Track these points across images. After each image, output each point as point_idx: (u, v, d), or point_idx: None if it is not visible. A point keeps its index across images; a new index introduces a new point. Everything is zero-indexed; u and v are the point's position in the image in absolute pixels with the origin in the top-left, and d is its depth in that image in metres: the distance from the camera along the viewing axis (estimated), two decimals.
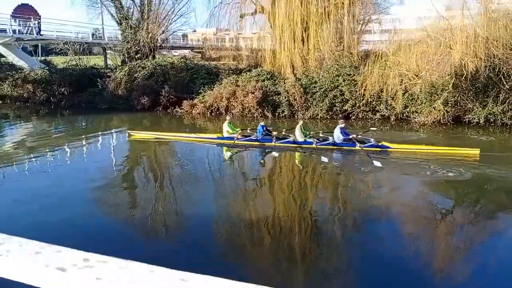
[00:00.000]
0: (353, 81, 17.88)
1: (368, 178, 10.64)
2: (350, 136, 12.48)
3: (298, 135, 13.04)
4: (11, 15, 27.58)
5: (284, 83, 19.18)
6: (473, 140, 14.17)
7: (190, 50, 44.52)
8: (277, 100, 18.77)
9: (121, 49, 29.59)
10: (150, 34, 29.00)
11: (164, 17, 29.66)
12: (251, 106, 18.47)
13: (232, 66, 23.36)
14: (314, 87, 18.47)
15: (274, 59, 20.42)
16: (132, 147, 14.87)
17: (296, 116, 18.32)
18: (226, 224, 7.61)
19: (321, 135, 13.51)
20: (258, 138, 13.25)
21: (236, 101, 18.92)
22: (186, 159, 13.06)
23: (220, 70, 23.17)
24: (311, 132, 13.74)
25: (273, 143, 12.93)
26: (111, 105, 22.43)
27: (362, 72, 17.23)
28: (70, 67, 26.70)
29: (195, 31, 43.91)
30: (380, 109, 17.45)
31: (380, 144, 12.32)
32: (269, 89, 19.08)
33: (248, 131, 13.97)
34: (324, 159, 11.80)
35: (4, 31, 26.93)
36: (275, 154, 12.82)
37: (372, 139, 12.44)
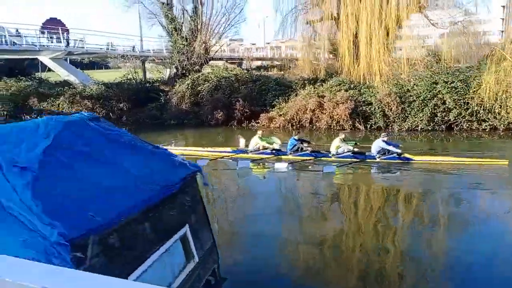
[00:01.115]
0: (454, 88, 16.49)
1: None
2: (399, 149, 11.99)
3: (333, 148, 12.49)
4: (62, 29, 26.72)
5: (371, 92, 17.88)
6: None
7: (225, 61, 43.43)
8: (368, 111, 17.44)
9: (173, 61, 28.52)
10: (204, 45, 27.97)
11: (216, 26, 28.53)
12: (342, 118, 17.15)
13: (306, 75, 22.03)
14: (410, 95, 17.10)
15: (354, 66, 19.08)
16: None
17: (390, 127, 16.99)
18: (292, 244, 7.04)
19: (355, 149, 12.64)
20: (290, 152, 12.72)
21: (323, 113, 17.62)
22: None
23: (290, 81, 21.96)
24: (354, 143, 12.85)
25: (307, 158, 12.48)
26: (180, 121, 21.30)
27: (471, 77, 15.83)
28: (125, 82, 25.71)
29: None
30: (488, 119, 16.01)
31: (402, 156, 11.85)
32: (356, 99, 17.77)
33: (280, 146, 13.28)
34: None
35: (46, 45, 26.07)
36: (280, 166, 11.73)
37: (396, 150, 11.96)
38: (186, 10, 27.90)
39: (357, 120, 17.27)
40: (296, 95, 19.62)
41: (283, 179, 11.54)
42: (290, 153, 12.68)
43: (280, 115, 18.93)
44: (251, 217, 8.51)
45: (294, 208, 9.35)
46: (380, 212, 8.90)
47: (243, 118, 19.78)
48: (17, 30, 26.04)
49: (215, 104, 20.34)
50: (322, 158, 12.43)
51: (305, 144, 12.92)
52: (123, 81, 25.83)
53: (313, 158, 12.51)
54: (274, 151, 12.94)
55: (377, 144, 12.03)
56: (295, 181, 11.51)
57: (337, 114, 17.04)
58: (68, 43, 27.26)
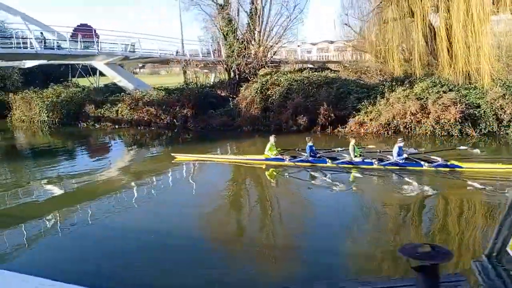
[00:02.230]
0: None
1: None
2: (405, 156, 11.57)
3: (353, 155, 12.05)
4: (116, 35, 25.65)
5: (477, 93, 16.41)
6: None
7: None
8: (477, 114, 15.97)
9: (230, 65, 27.29)
10: (262, 48, 26.77)
11: (275, 28, 27.27)
12: (450, 122, 15.69)
13: (384, 77, 20.65)
14: None
15: (452, 65, 17.53)
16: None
17: (504, 132, 15.53)
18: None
19: (378, 154, 12.43)
20: (310, 159, 12.28)
21: (427, 117, 16.19)
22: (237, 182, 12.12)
23: (368, 83, 20.60)
24: (363, 153, 12.50)
25: (328, 164, 11.97)
26: (253, 127, 20.00)
27: None
28: (183, 87, 24.59)
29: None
30: None
31: (449, 163, 11.16)
32: (459, 100, 16.30)
33: (297, 151, 13.11)
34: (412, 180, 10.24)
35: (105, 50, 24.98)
36: (332, 176, 10.94)
37: (439, 158, 11.37)
38: (246, 12, 26.72)
39: (466, 124, 15.76)
40: (382, 97, 18.21)
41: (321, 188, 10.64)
42: (330, 161, 12.18)
43: (371, 119, 17.50)
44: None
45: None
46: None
47: (328, 123, 18.39)
48: (72, 35, 25.01)
49: (295, 109, 19.00)
50: (365, 166, 11.85)
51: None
52: (182, 86, 24.68)
53: (355, 166, 11.96)
54: (311, 159, 12.44)
55: (395, 150, 11.66)
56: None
57: (445, 118, 15.57)
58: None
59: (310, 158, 12.36)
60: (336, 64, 35.51)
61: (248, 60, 25.92)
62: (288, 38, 27.32)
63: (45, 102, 26.06)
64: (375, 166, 11.63)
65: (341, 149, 12.95)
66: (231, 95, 25.15)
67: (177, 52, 32.59)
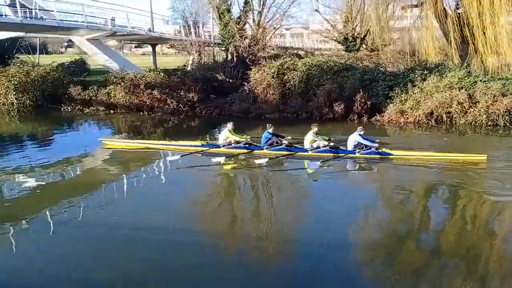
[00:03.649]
0: None
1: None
2: (376, 143, 11.75)
3: (306, 142, 12.02)
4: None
5: None
6: None
7: None
8: None
9: (226, 47, 25.32)
10: (261, 30, 25.19)
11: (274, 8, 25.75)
12: (499, 112, 15.56)
13: (423, 63, 20.03)
14: None
15: (490, 54, 17.33)
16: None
17: None
18: None
19: (332, 144, 12.28)
20: (263, 147, 12.10)
21: (474, 107, 15.94)
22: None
23: (394, 71, 20.01)
24: (327, 138, 12.37)
25: (281, 152, 11.87)
26: (281, 114, 18.54)
27: None
28: (186, 69, 22.32)
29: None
30: None
31: (381, 151, 11.62)
32: (507, 90, 16.17)
33: (252, 138, 12.73)
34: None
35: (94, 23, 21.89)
36: (261, 161, 11.12)
37: (372, 145, 11.70)
38: None
39: None
40: (414, 85, 17.70)
41: (260, 175, 11.11)
42: (266, 148, 12.07)
43: (412, 108, 16.94)
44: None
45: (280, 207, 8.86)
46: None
47: (363, 112, 17.54)
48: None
49: (328, 95, 17.88)
50: (299, 153, 11.95)
51: (280, 139, 12.42)
52: (184, 67, 22.40)
53: (291, 153, 11.98)
54: (247, 145, 12.25)
55: (354, 139, 11.75)
56: (273, 177, 10.90)
57: (496, 108, 15.41)
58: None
59: (265, 146, 12.10)
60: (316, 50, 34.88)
61: (251, 42, 24.19)
62: (288, 20, 25.89)
63: (12, 81, 22.26)
64: (308, 153, 11.77)
65: (296, 137, 12.89)
66: (230, 80, 23.46)
67: (149, 30, 29.77)
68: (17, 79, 22.32)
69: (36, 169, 11.34)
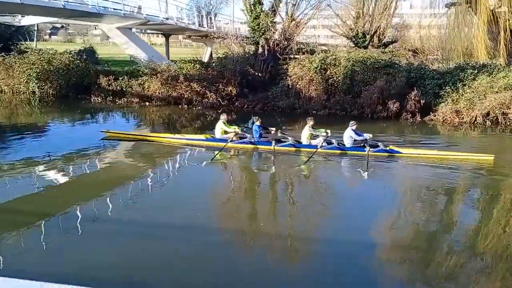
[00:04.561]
0: None
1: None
2: (365, 136, 11.58)
3: (304, 137, 11.78)
4: None
5: None
6: None
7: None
8: None
9: (255, 40, 24.53)
10: (294, 23, 24.48)
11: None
12: None
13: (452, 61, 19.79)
14: None
15: None
16: None
17: None
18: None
19: (327, 137, 12.08)
20: (255, 141, 11.85)
21: None
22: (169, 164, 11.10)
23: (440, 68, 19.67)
24: (323, 130, 12.10)
25: (272, 147, 11.33)
26: (331, 111, 18.00)
27: None
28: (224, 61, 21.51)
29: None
30: None
31: (389, 149, 11.54)
32: None
33: (242, 132, 12.41)
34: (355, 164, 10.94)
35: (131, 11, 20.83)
36: (273, 159, 11.17)
37: (380, 143, 11.62)
38: None
39: None
40: (464, 84, 17.41)
41: (270, 172, 10.85)
42: (273, 143, 11.54)
43: (467, 108, 16.65)
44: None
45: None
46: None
47: (417, 110, 17.16)
48: None
49: (381, 92, 17.42)
50: (307, 150, 11.55)
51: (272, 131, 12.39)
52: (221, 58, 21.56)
53: (299, 149, 11.75)
54: (252, 141, 11.95)
55: (348, 134, 11.61)
56: (283, 174, 10.65)
57: None
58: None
59: (256, 140, 11.84)
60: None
61: (282, 35, 23.48)
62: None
63: (33, 69, 21.04)
64: (318, 149, 11.33)
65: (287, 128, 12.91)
66: (259, 73, 22.77)
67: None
68: (39, 67, 21.12)
69: (59, 161, 10.77)
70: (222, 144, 11.60)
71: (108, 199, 8.12)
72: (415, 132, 16.20)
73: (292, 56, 24.15)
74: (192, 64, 20.86)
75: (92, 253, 6.00)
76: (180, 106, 19.00)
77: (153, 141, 12.68)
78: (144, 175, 9.95)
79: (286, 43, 24.09)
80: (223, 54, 23.43)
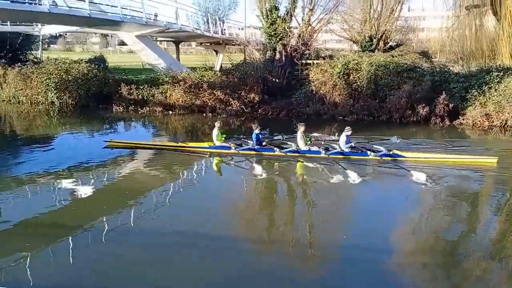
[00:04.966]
0: None
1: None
2: (352, 144, 11.64)
3: (301, 144, 11.78)
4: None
5: None
6: None
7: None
8: None
9: (271, 46, 24.43)
10: (310, 28, 24.41)
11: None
12: None
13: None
14: None
15: None
16: None
17: None
18: None
19: (323, 143, 12.43)
20: (256, 148, 11.88)
21: None
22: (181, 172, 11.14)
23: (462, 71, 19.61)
24: (312, 140, 12.19)
25: (275, 153, 11.66)
26: (359, 116, 17.87)
27: None
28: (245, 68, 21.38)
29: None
30: None
31: (392, 153, 11.49)
32: None
33: (242, 139, 12.76)
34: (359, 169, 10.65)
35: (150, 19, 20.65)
36: (280, 164, 11.25)
37: (382, 148, 11.66)
38: None
39: None
40: (490, 87, 17.32)
41: (279, 178, 10.76)
42: (277, 150, 11.82)
43: (497, 112, 16.56)
44: None
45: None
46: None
47: (445, 114, 17.07)
48: None
49: (409, 97, 17.32)
50: (312, 155, 11.64)
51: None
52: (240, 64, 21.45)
53: (303, 155, 11.73)
54: (257, 148, 11.93)
55: (343, 139, 11.61)
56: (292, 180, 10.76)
57: None
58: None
59: (257, 147, 11.87)
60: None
61: (299, 40, 23.39)
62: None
63: (52, 79, 20.86)
64: (322, 155, 11.43)
65: (287, 137, 12.84)
66: (277, 79, 22.66)
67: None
68: (57, 77, 20.94)
69: (79, 172, 10.75)
70: (224, 151, 11.91)
71: (129, 209, 8.12)
72: (444, 136, 16.06)
73: (309, 62, 24.14)
74: (213, 71, 20.69)
75: (118, 264, 6.06)
76: (204, 114, 18.81)
77: (155, 149, 12.94)
78: (162, 184, 10.02)
79: (303, 48, 24.03)
80: (241, 61, 23.34)
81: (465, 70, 19.89)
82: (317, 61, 24.65)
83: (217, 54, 32.94)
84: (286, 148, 11.99)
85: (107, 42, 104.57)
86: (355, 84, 19.01)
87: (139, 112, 19.54)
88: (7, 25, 22.05)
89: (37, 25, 21.34)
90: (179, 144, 12.83)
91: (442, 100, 16.85)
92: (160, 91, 19.79)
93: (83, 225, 7.41)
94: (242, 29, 35.33)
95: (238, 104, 18.88)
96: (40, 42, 37.02)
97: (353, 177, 10.14)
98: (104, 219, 7.60)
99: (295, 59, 23.67)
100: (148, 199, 8.90)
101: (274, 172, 10.93)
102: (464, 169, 10.80)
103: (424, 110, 16.67)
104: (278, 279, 5.78)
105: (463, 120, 16.92)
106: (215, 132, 12.25)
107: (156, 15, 23.05)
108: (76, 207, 8.57)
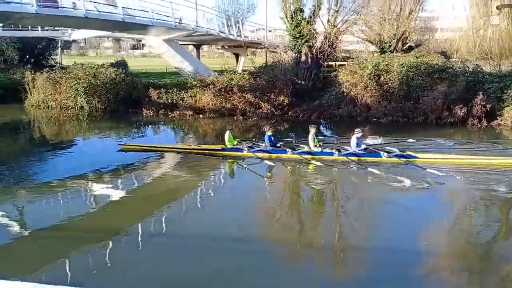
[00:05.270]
0: None
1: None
2: (363, 147, 11.51)
3: (312, 145, 11.76)
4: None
5: None
6: None
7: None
8: None
9: (297, 48, 24.30)
10: (335, 30, 24.23)
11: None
12: None
13: None
14: None
15: None
16: None
17: None
18: None
19: (335, 145, 12.42)
20: (269, 149, 11.82)
21: None
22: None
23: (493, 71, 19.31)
24: (321, 143, 12.30)
25: (288, 155, 11.56)
26: (393, 118, 17.65)
27: None
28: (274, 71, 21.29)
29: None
30: None
31: (406, 154, 11.31)
32: None
33: (254, 142, 12.79)
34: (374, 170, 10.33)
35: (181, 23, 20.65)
36: (295, 166, 11.08)
37: (395, 149, 11.51)
38: None
39: None
40: None
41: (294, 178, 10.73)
42: (290, 151, 11.72)
43: None
44: None
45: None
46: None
47: (482, 115, 16.79)
48: None
49: (444, 98, 17.07)
50: (324, 157, 11.56)
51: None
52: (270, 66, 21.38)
53: (315, 156, 11.62)
54: (269, 149, 11.87)
55: (353, 141, 11.52)
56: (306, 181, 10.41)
57: None
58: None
59: (270, 148, 11.84)
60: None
61: (325, 42, 23.23)
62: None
63: (81, 84, 20.96)
64: (335, 156, 11.35)
65: (299, 140, 12.92)
66: (303, 81, 22.50)
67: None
68: (86, 81, 21.05)
69: (108, 176, 10.81)
70: (236, 153, 11.90)
71: (161, 213, 8.14)
72: (481, 137, 15.79)
73: (331, 63, 24.03)
74: (241, 74, 20.65)
75: (155, 267, 6.03)
76: (235, 118, 18.72)
77: (168, 152, 12.95)
78: (190, 187, 10.03)
79: (329, 50, 23.87)
80: (264, 63, 23.27)
81: (496, 70, 19.59)
82: (341, 63, 24.51)
83: (236, 57, 32.93)
84: (299, 149, 11.93)
85: (120, 46, 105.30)
86: (386, 85, 18.80)
87: (170, 116, 19.53)
88: (37, 30, 22.15)
89: (67, 30, 21.35)
90: (192, 146, 12.97)
91: (479, 100, 16.57)
92: (189, 95, 19.75)
93: (117, 229, 7.44)
94: (264, 31, 35.28)
95: (268, 106, 18.75)
96: (59, 48, 37.44)
97: (374, 178, 9.98)
98: (138, 223, 7.65)
99: (320, 61, 23.51)
100: (178, 202, 8.96)
101: (291, 174, 10.89)
102: (492, 170, 10.46)
103: (462, 111, 16.38)
104: (308, 282, 5.73)
105: (501, 121, 16.60)
106: (227, 135, 12.31)
107: (180, 19, 23.10)
108: (108, 211, 8.63)
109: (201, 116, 19.20)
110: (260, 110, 18.81)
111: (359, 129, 11.74)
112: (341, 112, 18.04)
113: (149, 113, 19.89)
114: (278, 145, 12.10)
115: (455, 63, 21.03)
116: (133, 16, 16.45)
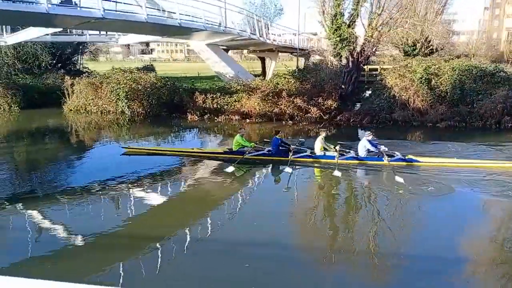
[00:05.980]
0: None
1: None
2: (381, 149, 11.33)
3: (318, 149, 11.66)
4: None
5: None
6: None
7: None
8: None
9: (336, 52, 23.92)
10: (376, 33, 23.82)
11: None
12: None
13: None
14: None
15: None
16: None
17: None
18: None
19: (340, 148, 12.00)
20: (272, 152, 11.81)
21: None
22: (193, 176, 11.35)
23: None
24: (333, 146, 11.94)
25: (289, 158, 11.34)
26: (450, 123, 17.20)
27: None
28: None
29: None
30: None
31: (407, 157, 11.25)
32: None
33: (258, 145, 12.56)
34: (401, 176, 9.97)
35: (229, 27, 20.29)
36: (289, 170, 10.54)
37: (397, 152, 11.42)
38: None
39: None
40: None
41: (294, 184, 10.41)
42: (290, 155, 11.58)
43: None
44: None
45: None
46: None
47: None
48: None
49: (503, 102, 16.61)
50: (325, 160, 11.50)
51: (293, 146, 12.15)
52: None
53: (317, 160, 11.64)
54: (269, 152, 11.93)
55: (363, 144, 11.39)
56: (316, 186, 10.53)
57: None
58: None
59: (274, 152, 11.89)
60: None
61: (368, 45, 22.84)
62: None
63: (122, 89, 20.66)
64: (336, 160, 11.07)
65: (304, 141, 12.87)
66: (343, 85, 22.12)
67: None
68: (127, 86, 20.75)
69: (147, 181, 10.67)
70: (239, 156, 11.66)
71: (201, 218, 8.19)
72: None
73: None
74: (287, 78, 20.30)
75: (200, 273, 6.03)
76: (283, 122, 18.31)
77: (171, 155, 12.90)
78: (227, 192, 9.90)
79: (370, 53, 23.51)
80: (297, 67, 22.91)
81: None
82: (386, 66, 24.12)
83: (262, 61, 32.72)
84: (301, 153, 11.86)
85: (129, 51, 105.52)
86: (438, 89, 18.39)
87: (215, 121, 19.15)
88: (85, 35, 21.92)
89: (113, 35, 21.08)
90: (195, 150, 12.93)
91: None
92: (234, 99, 19.39)
93: (161, 235, 7.37)
94: (289, 35, 35.00)
95: (317, 111, 18.34)
96: (81, 53, 37.27)
97: (403, 183, 9.67)
98: (182, 228, 7.70)
99: (361, 65, 23.16)
100: (218, 207, 8.95)
101: (309, 179, 10.97)
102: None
103: None
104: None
105: None
106: (236, 138, 12.24)
107: (220, 24, 22.80)
108: (150, 217, 8.56)
109: (247, 120, 18.80)
110: (309, 114, 18.38)
111: (369, 132, 11.97)
112: (396, 117, 17.58)
113: (194, 117, 19.53)
114: (283, 148, 12.02)
115: (505, 67, 20.62)
116: (189, 21, 16.06)
